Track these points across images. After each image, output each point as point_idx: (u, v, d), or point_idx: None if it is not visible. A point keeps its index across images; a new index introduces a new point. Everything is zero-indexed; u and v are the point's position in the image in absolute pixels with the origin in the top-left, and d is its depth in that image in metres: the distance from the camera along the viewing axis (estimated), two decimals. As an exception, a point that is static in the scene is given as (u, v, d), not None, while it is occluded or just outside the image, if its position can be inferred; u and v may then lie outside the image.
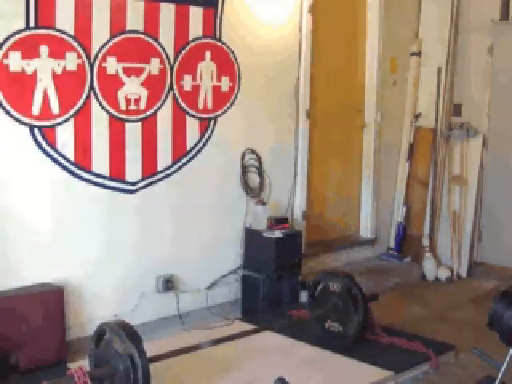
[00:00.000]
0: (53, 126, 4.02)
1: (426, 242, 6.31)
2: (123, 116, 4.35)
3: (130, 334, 3.20)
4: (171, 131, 4.63)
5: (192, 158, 4.76)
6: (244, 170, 5.10)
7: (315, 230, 5.91)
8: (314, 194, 5.89)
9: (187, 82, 4.67)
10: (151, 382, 3.15)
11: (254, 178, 5.18)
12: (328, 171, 6.08)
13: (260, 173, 5.20)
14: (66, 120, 4.07)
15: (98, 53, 4.17)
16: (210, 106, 4.82)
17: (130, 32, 4.32)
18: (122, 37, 4.28)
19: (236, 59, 4.94)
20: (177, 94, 4.62)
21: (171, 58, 4.56)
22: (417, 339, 4.28)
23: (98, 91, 4.20)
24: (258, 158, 5.19)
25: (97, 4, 4.13)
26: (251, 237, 5.04)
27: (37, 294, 3.87)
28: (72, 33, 4.02)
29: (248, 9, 4.99)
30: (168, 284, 4.63)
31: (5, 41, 3.75)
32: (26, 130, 3.91)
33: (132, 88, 4.36)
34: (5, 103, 3.79)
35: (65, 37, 3.99)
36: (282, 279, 4.96)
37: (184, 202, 4.73)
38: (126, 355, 3.14)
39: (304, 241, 5.39)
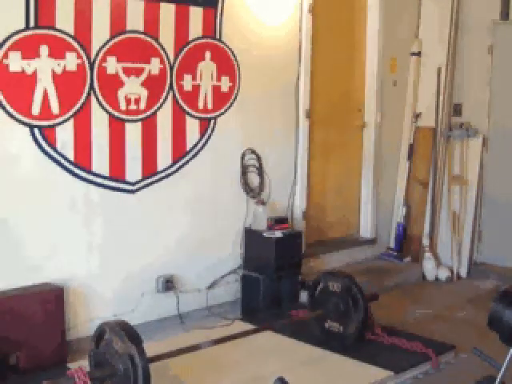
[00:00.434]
0: (53, 126, 4.02)
1: (425, 241, 6.31)
2: (123, 116, 4.35)
3: (130, 334, 3.21)
4: (171, 131, 4.63)
5: (192, 157, 4.76)
6: (244, 169, 5.10)
7: (315, 230, 5.91)
8: (314, 194, 5.89)
9: (187, 82, 4.67)
10: (151, 382, 3.15)
11: (253, 178, 5.18)
12: (328, 171, 6.09)
13: (260, 173, 5.20)
14: (65, 120, 4.07)
15: (97, 53, 4.17)
16: (209, 106, 4.82)
17: (130, 32, 4.32)
18: (122, 37, 4.28)
19: (236, 59, 4.94)
20: (177, 94, 4.62)
21: (171, 58, 4.56)
22: (417, 339, 4.28)
23: (97, 91, 4.20)
24: (258, 158, 5.19)
25: (97, 4, 4.13)
26: (251, 237, 5.04)
27: (37, 293, 3.87)
28: (72, 33, 4.02)
29: (248, 9, 4.99)
30: (168, 284, 4.63)
31: (5, 41, 3.75)
32: (26, 130, 3.91)
33: (132, 88, 4.36)
34: (5, 103, 3.79)
35: (65, 37, 3.99)
36: (281, 279, 4.96)
37: (184, 201, 4.73)
38: (126, 355, 3.14)
39: (304, 241, 5.39)
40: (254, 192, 5.15)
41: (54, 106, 4.00)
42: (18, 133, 3.88)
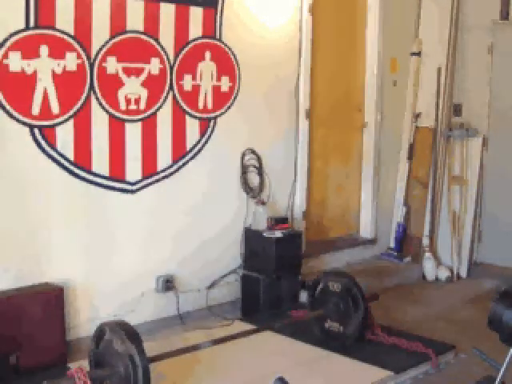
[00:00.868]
0: (53, 126, 4.01)
1: (426, 241, 6.31)
2: (123, 116, 4.35)
3: (130, 333, 3.21)
4: (171, 131, 4.63)
5: (192, 157, 4.76)
6: (244, 169, 5.10)
7: (315, 230, 5.91)
8: (314, 194, 5.89)
9: (187, 82, 4.67)
10: (151, 382, 3.15)
11: (253, 178, 5.18)
12: (328, 171, 6.09)
13: (260, 173, 5.20)
14: (66, 120, 4.07)
15: (97, 53, 4.17)
16: (209, 106, 4.82)
17: (130, 32, 4.32)
18: (122, 37, 4.28)
19: (236, 59, 4.94)
20: (177, 94, 4.62)
21: (171, 58, 4.56)
22: (417, 339, 4.28)
23: (97, 91, 4.19)
24: (258, 158, 5.19)
25: (97, 4, 4.13)
26: (251, 237, 5.04)
27: (37, 293, 3.87)
28: (72, 33, 4.02)
29: (248, 9, 4.99)
30: (168, 284, 4.63)
31: (5, 41, 3.75)
32: (26, 130, 3.91)
33: (132, 88, 4.36)
34: (5, 103, 3.79)
35: (65, 37, 3.99)
36: (281, 279, 4.96)
37: (184, 201, 4.73)
38: (126, 355, 3.14)
39: (304, 241, 5.39)
40: (254, 192, 5.15)
41: (54, 106, 4.00)
42: (18, 133, 3.88)
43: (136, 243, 4.49)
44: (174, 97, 4.61)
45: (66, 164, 4.10)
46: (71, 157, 4.12)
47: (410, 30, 6.51)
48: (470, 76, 6.38)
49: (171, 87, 4.58)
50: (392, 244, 6.49)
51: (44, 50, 3.90)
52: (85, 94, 4.14)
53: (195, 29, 4.67)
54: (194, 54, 4.69)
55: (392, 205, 6.57)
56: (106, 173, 4.30)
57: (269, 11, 5.14)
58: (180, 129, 4.68)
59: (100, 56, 4.18)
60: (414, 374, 3.99)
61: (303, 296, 4.95)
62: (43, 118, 3.96)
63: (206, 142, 4.83)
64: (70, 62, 4.04)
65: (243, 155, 5.10)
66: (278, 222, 5.09)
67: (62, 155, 4.07)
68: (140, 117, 4.44)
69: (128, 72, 4.33)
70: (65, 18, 3.98)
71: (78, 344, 4.07)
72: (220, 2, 4.79)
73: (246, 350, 4.13)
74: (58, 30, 3.96)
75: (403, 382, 3.91)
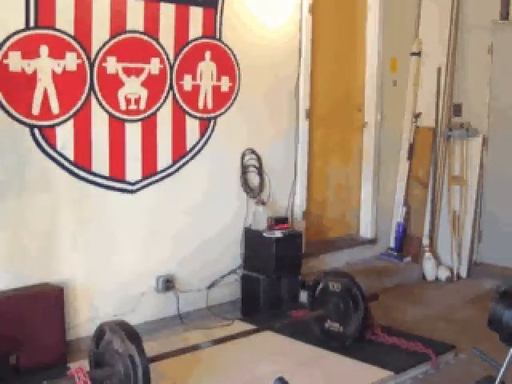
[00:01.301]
0: (53, 126, 4.01)
1: (426, 241, 6.31)
2: (123, 116, 4.35)
3: (130, 333, 3.21)
4: (171, 131, 4.63)
5: (192, 157, 4.76)
6: (244, 169, 5.10)
7: (315, 230, 5.91)
8: (314, 194, 5.89)
9: (187, 82, 4.67)
10: (151, 382, 3.15)
11: (253, 178, 5.18)
12: (328, 171, 6.09)
13: (260, 173, 5.20)
14: (66, 120, 4.07)
15: (97, 53, 4.17)
16: (209, 106, 4.82)
17: (130, 32, 4.32)
18: (122, 37, 4.28)
19: (236, 59, 4.94)
20: (177, 94, 4.62)
21: (171, 58, 4.56)
22: (417, 339, 4.28)
23: (97, 91, 4.19)
24: (258, 158, 5.19)
25: (97, 4, 4.13)
26: (251, 237, 5.04)
27: (37, 293, 3.87)
28: (72, 33, 4.02)
29: (248, 9, 4.99)
30: (168, 284, 4.63)
31: (5, 41, 3.75)
32: (26, 130, 3.91)
33: (132, 88, 4.36)
34: (5, 103, 3.79)
35: (65, 37, 3.99)
36: (281, 279, 4.96)
37: (184, 201, 4.73)
38: (126, 355, 3.14)
39: (304, 241, 5.39)
40: (254, 192, 5.15)
41: (54, 106, 4.00)
42: (18, 133, 3.88)
43: (136, 243, 4.49)
44: (174, 97, 4.61)
45: (66, 164, 4.10)
46: (71, 157, 4.12)
47: (410, 30, 6.51)
48: (470, 76, 6.39)
49: (171, 87, 4.58)
50: (392, 244, 6.49)
51: (44, 50, 3.90)
52: (85, 94, 4.14)
53: (195, 29, 4.67)
54: (193, 54, 4.69)
55: (392, 205, 6.57)
56: (106, 173, 4.30)
57: (269, 11, 5.14)
58: (180, 129, 4.68)
59: (100, 56, 4.18)
60: (414, 374, 3.99)
61: (303, 296, 4.95)
62: (43, 118, 3.96)
63: (205, 142, 4.83)
64: (70, 62, 4.04)
65: (243, 155, 5.10)
66: (278, 222, 5.09)
67: (62, 155, 4.07)
68: (140, 117, 4.44)
69: (128, 72, 4.33)
70: (65, 17, 3.98)
71: (78, 344, 4.07)
72: (220, 2, 4.79)
73: (246, 350, 4.13)
74: (58, 30, 3.96)
75: (403, 382, 3.91)
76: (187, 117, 4.71)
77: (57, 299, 3.93)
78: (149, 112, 4.48)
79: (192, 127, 4.75)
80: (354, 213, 6.38)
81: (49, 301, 3.89)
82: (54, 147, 4.03)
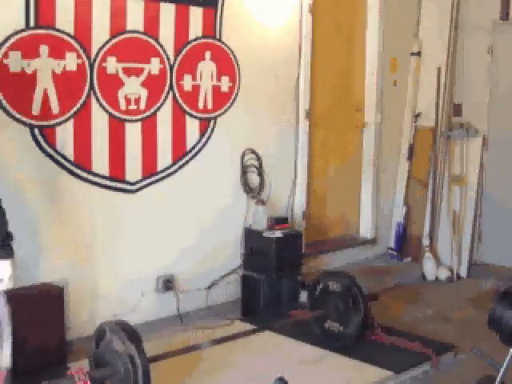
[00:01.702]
0: (53, 126, 4.01)
1: (426, 241, 6.31)
2: (123, 116, 4.35)
3: (130, 333, 3.20)
4: (171, 131, 4.63)
5: (192, 157, 4.76)
6: (244, 169, 5.10)
7: (315, 230, 5.91)
8: (314, 194, 5.89)
9: (187, 82, 4.67)
10: (151, 382, 3.15)
11: (253, 178, 5.18)
12: (328, 171, 6.08)
13: (260, 173, 5.20)
14: (65, 120, 4.07)
15: (97, 53, 4.17)
16: (209, 106, 4.82)
17: (130, 32, 4.32)
18: (122, 37, 4.28)
19: (236, 59, 4.94)
20: (177, 94, 4.62)
21: (171, 57, 4.56)
22: (417, 339, 4.28)
23: (97, 91, 4.19)
24: (258, 158, 5.19)
25: (97, 4, 4.13)
26: (251, 237, 5.04)
27: (37, 293, 3.87)
28: (72, 33, 4.02)
29: (248, 9, 4.99)
30: (168, 284, 4.63)
31: (5, 41, 3.75)
32: (26, 130, 3.91)
33: (132, 88, 4.36)
34: (5, 103, 3.79)
35: (65, 37, 3.99)
36: (281, 279, 4.96)
37: (184, 201, 4.73)
38: (126, 355, 3.14)
39: (304, 241, 5.39)
40: (254, 192, 5.15)
41: (54, 106, 4.00)
42: (18, 133, 3.88)
43: (136, 243, 4.49)
44: (174, 97, 4.61)
45: (66, 164, 4.10)
46: (71, 157, 4.12)
47: (410, 30, 6.51)
48: (470, 76, 6.38)
49: (171, 87, 4.58)
50: (392, 244, 6.49)
51: (44, 49, 3.90)
52: (85, 94, 4.14)
53: (195, 29, 4.67)
54: (194, 54, 4.69)
55: (392, 205, 6.57)
56: (106, 173, 4.30)
57: (269, 11, 5.13)
58: (180, 129, 4.68)
59: (100, 56, 4.18)
60: (414, 374, 3.99)
61: (303, 296, 4.95)
62: (43, 118, 3.96)
63: (206, 142, 4.83)
64: (70, 62, 4.04)
65: (243, 155, 5.10)
66: (278, 221, 5.09)
67: (61, 155, 4.07)
68: (140, 117, 4.44)
69: (128, 72, 4.33)
70: (65, 17, 3.98)
71: (78, 344, 4.07)
72: (220, 2, 4.78)
73: (245, 350, 4.13)
74: (58, 30, 3.96)
75: (403, 382, 3.91)
76: (187, 117, 4.71)
77: (57, 299, 3.93)
78: (149, 112, 4.48)
79: (192, 127, 4.75)
80: (353, 213, 6.38)
81: (49, 301, 3.89)
82: (53, 147, 4.03)
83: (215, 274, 4.96)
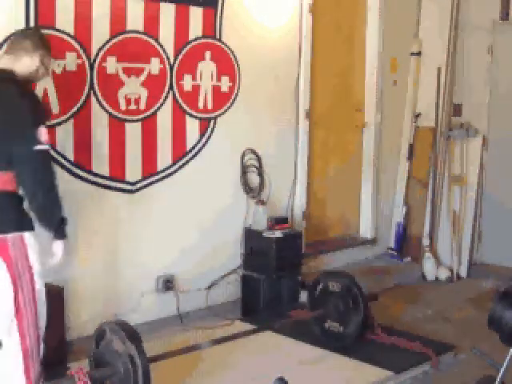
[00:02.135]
0: (53, 126, 4.01)
1: (426, 241, 6.31)
2: (123, 116, 4.35)
3: (130, 333, 3.20)
4: (171, 131, 4.63)
5: (192, 157, 4.76)
6: (244, 169, 5.10)
7: (315, 230, 5.91)
8: (314, 194, 5.89)
9: (187, 82, 4.67)
10: (151, 382, 3.15)
11: (253, 178, 5.18)
12: (328, 171, 6.09)
13: (260, 173, 5.20)
14: (66, 120, 4.07)
15: (97, 53, 4.17)
16: (209, 106, 4.82)
17: (130, 32, 4.32)
18: (122, 37, 4.28)
19: (236, 59, 4.94)
20: (177, 94, 4.62)
21: (171, 57, 4.56)
22: (417, 339, 4.28)
23: (97, 91, 4.20)
24: (258, 158, 5.19)
25: (97, 4, 4.13)
26: (251, 237, 5.04)
27: (37, 294, 3.86)
28: (72, 33, 4.02)
29: (248, 9, 4.99)
30: (168, 284, 4.63)
31: (5, 41, 3.75)
32: (26, 130, 3.90)
33: (132, 88, 4.36)
34: (5, 103, 3.79)
35: (65, 37, 3.99)
36: (281, 279, 4.96)
37: (184, 201, 4.73)
38: (126, 355, 3.14)
39: (304, 241, 5.39)
40: (254, 192, 5.15)
41: (54, 106, 4.00)
42: (18, 133, 3.87)
43: (136, 243, 4.49)
44: (174, 97, 4.61)
45: (66, 164, 4.10)
46: (71, 157, 4.12)
47: (410, 30, 6.51)
48: (470, 76, 6.38)
49: (171, 87, 4.58)
50: (392, 244, 6.49)
51: (44, 50, 3.89)
52: (85, 94, 4.14)
53: (195, 29, 4.67)
54: (194, 54, 4.69)
55: (392, 205, 6.57)
56: (106, 173, 4.30)
57: (269, 11, 5.14)
58: (180, 129, 4.68)
59: (100, 56, 4.18)
60: (414, 374, 3.99)
61: (303, 296, 4.95)
62: (43, 118, 3.95)
63: (206, 142, 4.83)
64: (70, 62, 4.04)
65: (243, 155, 5.10)
66: (278, 221, 5.09)
67: (61, 155, 4.07)
68: (140, 117, 4.44)
69: (128, 72, 4.33)
70: (65, 17, 3.98)
71: (78, 344, 4.07)
72: (220, 2, 4.79)
73: (245, 350, 4.13)
74: (58, 30, 3.96)
75: (403, 382, 3.91)
76: (187, 117, 4.71)
77: (57, 299, 3.92)
78: (149, 112, 4.48)
79: (192, 127, 4.75)
80: (353, 213, 6.38)
81: (49, 300, 3.87)
82: (53, 147, 4.02)
83: (215, 273, 4.96)
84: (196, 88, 4.73)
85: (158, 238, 4.61)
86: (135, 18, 4.33)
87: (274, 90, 5.25)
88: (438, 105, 6.33)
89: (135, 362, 3.12)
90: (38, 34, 3.25)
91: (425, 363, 4.07)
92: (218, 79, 4.85)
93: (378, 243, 6.40)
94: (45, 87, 3.93)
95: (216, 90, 4.85)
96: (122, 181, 4.39)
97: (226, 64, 4.89)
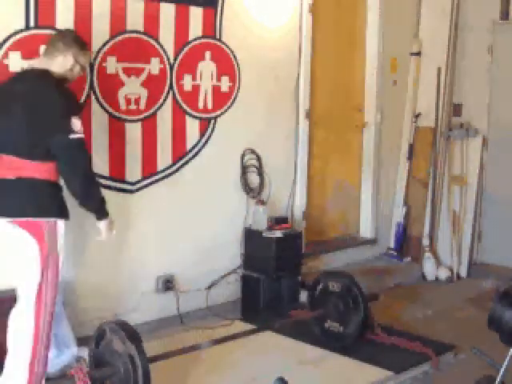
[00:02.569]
0: (53, 126, 4.01)
1: (426, 241, 6.31)
2: (123, 116, 4.35)
3: (130, 333, 3.21)
4: (171, 131, 4.63)
5: (192, 157, 4.76)
6: (244, 170, 5.10)
7: (315, 230, 5.91)
8: (314, 194, 5.89)
9: (187, 82, 4.67)
10: (151, 382, 3.15)
11: (253, 178, 5.18)
12: (328, 171, 6.09)
13: (260, 173, 5.20)
14: (65, 120, 4.06)
15: (97, 53, 4.16)
16: (209, 106, 4.82)
17: (130, 32, 4.32)
18: (122, 37, 4.28)
19: (236, 59, 4.94)
20: (177, 94, 4.62)
21: (171, 57, 4.56)
22: (417, 339, 4.28)
23: (97, 91, 4.19)
24: (258, 158, 5.19)
25: (97, 4, 4.13)
26: (251, 237, 5.04)
27: (37, 293, 3.86)
28: (72, 33, 4.02)
29: (248, 9, 4.99)
30: (168, 284, 4.63)
31: (5, 41, 3.75)
32: (26, 129, 3.90)
33: (132, 88, 4.36)
34: (5, 103, 3.79)
35: (65, 37, 3.99)
36: (281, 279, 4.96)
37: (184, 201, 4.73)
38: (126, 355, 3.14)
39: (304, 241, 5.39)
40: (254, 192, 5.15)
41: (54, 106, 3.99)
42: (18, 133, 3.87)
43: (136, 243, 4.49)
44: (174, 97, 4.61)
45: (66, 164, 4.09)
46: (71, 157, 4.11)
47: (410, 30, 6.51)
48: (470, 76, 6.38)
49: (171, 87, 4.58)
50: (392, 244, 6.49)
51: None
52: (85, 94, 4.14)
53: (195, 29, 4.67)
54: (194, 54, 4.69)
55: (392, 205, 6.57)
56: (106, 173, 4.30)
57: (269, 11, 5.14)
58: (180, 129, 4.68)
59: (100, 56, 4.18)
60: (414, 374, 3.99)
61: (303, 296, 4.95)
62: (43, 118, 3.95)
63: (206, 142, 4.83)
64: (70, 62, 4.03)
65: (243, 155, 5.10)
66: (278, 221, 5.09)
67: (62, 155, 4.06)
68: (140, 117, 4.44)
69: (128, 72, 4.33)
70: (65, 17, 3.97)
71: (78, 344, 4.06)
72: (220, 2, 4.79)
73: (245, 350, 4.13)
74: (58, 30, 3.95)
75: (403, 382, 3.91)
76: (187, 117, 4.71)
77: (57, 299, 3.92)
78: (149, 112, 4.48)
79: (192, 127, 4.75)
80: (353, 213, 6.38)
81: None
82: (54, 147, 4.02)
83: (215, 273, 4.96)
84: (196, 88, 4.73)
85: (158, 237, 4.61)
86: (135, 18, 4.33)
87: (274, 90, 5.25)
88: (438, 105, 6.33)
89: (135, 361, 3.12)
90: (70, 35, 3.53)
91: (425, 363, 4.07)
92: (218, 79, 4.85)
93: (378, 243, 6.41)
94: (45, 87, 3.92)
95: (216, 89, 4.85)
96: (122, 181, 4.39)
97: (226, 64, 4.89)
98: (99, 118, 4.22)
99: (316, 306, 4.40)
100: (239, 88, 4.98)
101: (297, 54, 5.41)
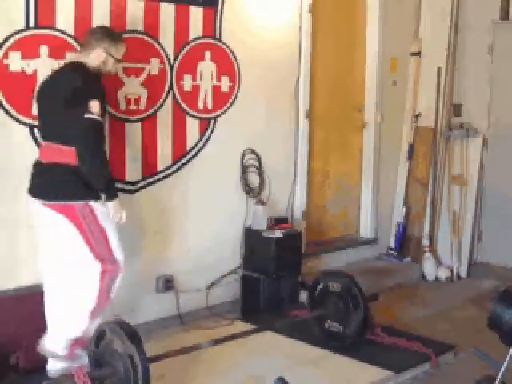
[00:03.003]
0: (53, 126, 4.01)
1: (426, 242, 6.31)
2: (123, 116, 4.35)
3: (130, 333, 3.21)
4: (171, 131, 4.63)
5: (192, 157, 4.76)
6: (244, 169, 5.10)
7: (315, 230, 5.91)
8: (314, 194, 5.89)
9: (187, 82, 4.67)
10: (151, 382, 3.15)
11: (253, 178, 5.18)
12: (328, 171, 6.09)
13: (260, 173, 5.20)
14: (65, 120, 4.06)
15: (98, 53, 4.16)
16: (209, 105, 4.82)
17: (130, 32, 4.32)
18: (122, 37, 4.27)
19: (236, 59, 4.94)
20: (177, 94, 4.62)
21: (171, 57, 4.56)
22: (417, 339, 4.29)
23: (97, 91, 4.19)
24: (258, 158, 5.19)
25: (97, 4, 4.12)
26: (251, 237, 5.04)
27: (37, 293, 3.86)
28: (72, 33, 4.02)
29: (248, 9, 4.99)
30: (168, 284, 4.63)
31: (5, 41, 3.75)
32: (26, 130, 3.90)
33: (132, 88, 4.36)
34: (5, 103, 3.79)
35: (65, 37, 3.99)
36: (281, 279, 4.96)
37: (184, 201, 4.73)
38: (126, 355, 3.14)
39: (304, 241, 5.39)
40: (254, 192, 5.15)
41: (54, 106, 3.99)
42: (18, 133, 3.87)
43: (136, 243, 4.48)
44: (174, 97, 4.61)
45: (66, 164, 4.09)
46: (71, 157, 4.11)
47: (410, 29, 6.51)
48: (470, 76, 6.39)
49: (171, 87, 4.58)
50: (392, 244, 6.49)
51: (44, 49, 3.89)
52: (85, 94, 4.13)
53: (195, 29, 4.67)
54: (194, 54, 4.69)
55: (392, 205, 6.57)
56: (106, 173, 4.29)
57: (269, 11, 5.14)
58: (180, 129, 4.68)
59: (100, 56, 4.17)
60: (414, 374, 3.99)
61: (303, 296, 4.95)
62: (43, 118, 3.95)
63: (206, 142, 4.83)
64: (70, 62, 4.03)
65: (243, 155, 5.10)
66: (278, 221, 5.09)
67: (62, 155, 4.06)
68: (140, 117, 4.44)
69: (128, 72, 4.33)
70: (65, 17, 3.97)
71: (78, 344, 4.07)
72: (220, 2, 4.79)
73: (246, 350, 4.13)
74: (58, 30, 3.95)
75: (403, 382, 3.91)
76: (187, 117, 4.71)
77: (57, 299, 3.92)
78: (149, 112, 4.48)
79: (192, 127, 4.75)
80: (353, 213, 6.38)
81: (49, 301, 3.88)
82: (54, 147, 4.02)
83: (215, 273, 4.96)
84: (196, 88, 4.73)
85: (158, 237, 4.61)
86: (135, 18, 4.33)
87: (274, 90, 5.25)
88: (438, 105, 6.33)
89: (135, 361, 3.12)
90: (101, 30, 3.73)
91: (425, 363, 4.07)
92: (218, 79, 4.85)
93: (378, 243, 6.41)
94: (45, 87, 3.92)
95: (216, 89, 4.84)
96: (122, 181, 4.39)
97: (226, 64, 4.89)
98: (99, 118, 4.21)
99: (316, 306, 4.40)
100: (239, 88, 4.98)
101: (297, 54, 5.41)
